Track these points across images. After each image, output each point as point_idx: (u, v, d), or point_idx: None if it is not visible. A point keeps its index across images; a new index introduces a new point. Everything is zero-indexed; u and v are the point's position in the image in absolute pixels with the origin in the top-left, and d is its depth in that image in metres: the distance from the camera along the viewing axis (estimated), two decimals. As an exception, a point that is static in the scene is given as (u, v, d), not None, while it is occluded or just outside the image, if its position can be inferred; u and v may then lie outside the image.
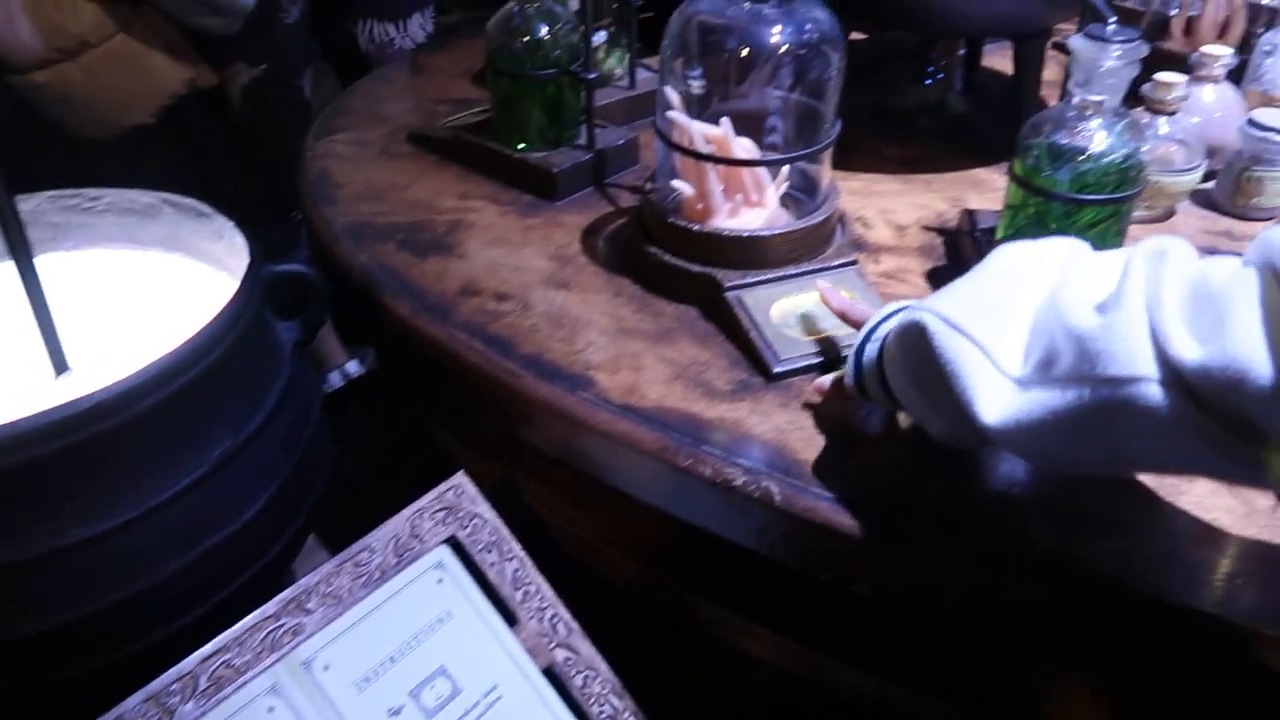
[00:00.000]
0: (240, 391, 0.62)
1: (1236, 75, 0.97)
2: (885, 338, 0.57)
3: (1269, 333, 0.39)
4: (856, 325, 0.63)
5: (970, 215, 0.81)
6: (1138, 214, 0.87)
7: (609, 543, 0.81)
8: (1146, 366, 0.43)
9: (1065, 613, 0.54)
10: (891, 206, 0.89)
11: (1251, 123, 0.85)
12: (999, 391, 0.48)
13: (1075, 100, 0.67)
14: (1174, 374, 0.42)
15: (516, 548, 0.65)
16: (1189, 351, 0.41)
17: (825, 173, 0.78)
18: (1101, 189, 0.68)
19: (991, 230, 0.76)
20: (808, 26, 0.70)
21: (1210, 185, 0.90)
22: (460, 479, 0.71)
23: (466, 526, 0.66)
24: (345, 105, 1.08)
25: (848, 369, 0.60)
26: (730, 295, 0.71)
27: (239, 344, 0.60)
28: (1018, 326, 0.49)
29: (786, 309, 0.71)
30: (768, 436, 0.62)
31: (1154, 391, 0.42)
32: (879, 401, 0.59)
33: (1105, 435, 0.45)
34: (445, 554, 0.66)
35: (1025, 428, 0.47)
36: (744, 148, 0.75)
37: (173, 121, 1.12)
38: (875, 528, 0.56)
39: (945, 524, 0.56)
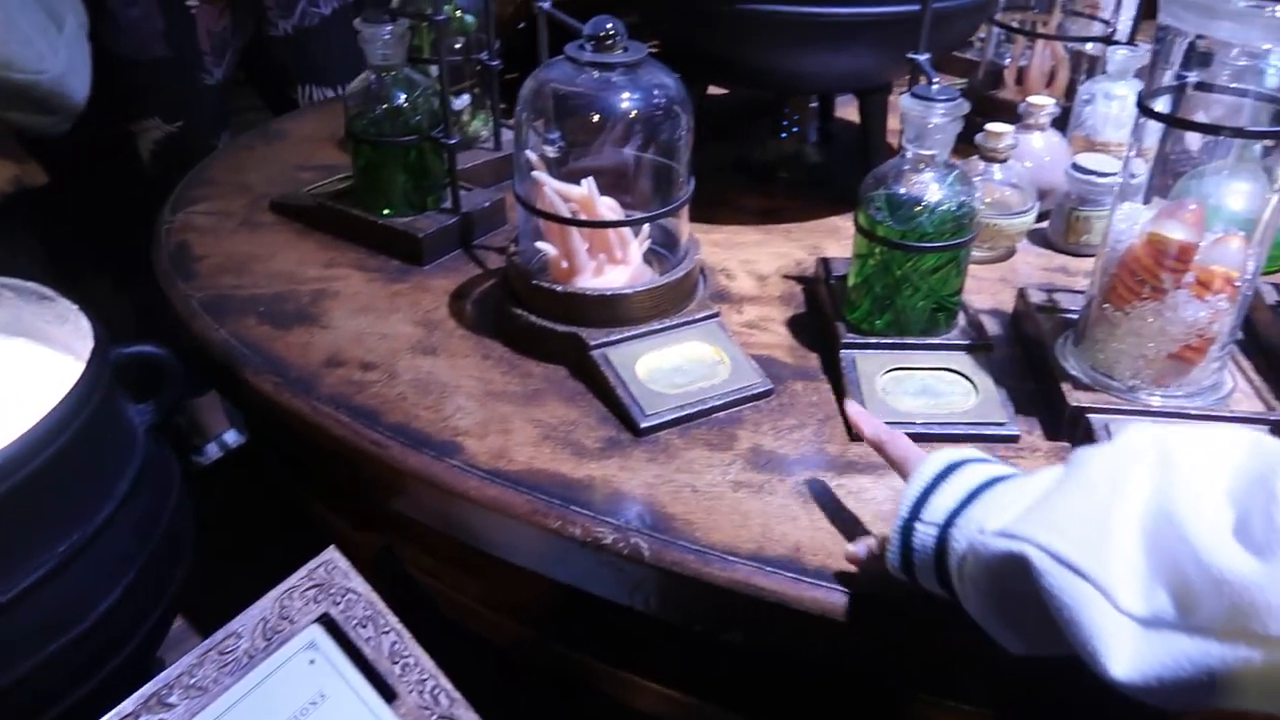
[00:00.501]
0: (90, 479, 0.60)
1: (1063, 122, 1.04)
2: (946, 535, 0.49)
3: None
4: (893, 462, 0.58)
5: (825, 263, 0.84)
6: (980, 254, 0.92)
7: (493, 607, 0.80)
8: None
9: (925, 651, 0.57)
10: (753, 257, 0.92)
11: (1075, 166, 0.92)
12: (1125, 638, 0.41)
13: (909, 155, 0.72)
14: None
15: (393, 620, 0.64)
16: None
17: (684, 228, 0.81)
18: (940, 236, 0.72)
19: (844, 277, 0.79)
20: (655, 92, 0.73)
21: (1045, 225, 0.96)
22: (331, 554, 0.69)
23: (339, 603, 0.65)
24: (204, 175, 1.06)
25: (891, 549, 0.52)
26: (596, 353, 0.72)
27: (86, 430, 0.58)
28: (1127, 549, 0.42)
29: (652, 364, 0.73)
30: (637, 492, 0.63)
31: None
32: (929, 589, 0.52)
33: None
34: (318, 633, 0.64)
35: (1169, 683, 0.40)
36: (608, 206, 0.77)
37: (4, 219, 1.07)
38: (740, 579, 0.57)
39: (805, 571, 0.57)
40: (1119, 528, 0.42)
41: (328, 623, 0.64)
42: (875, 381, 0.71)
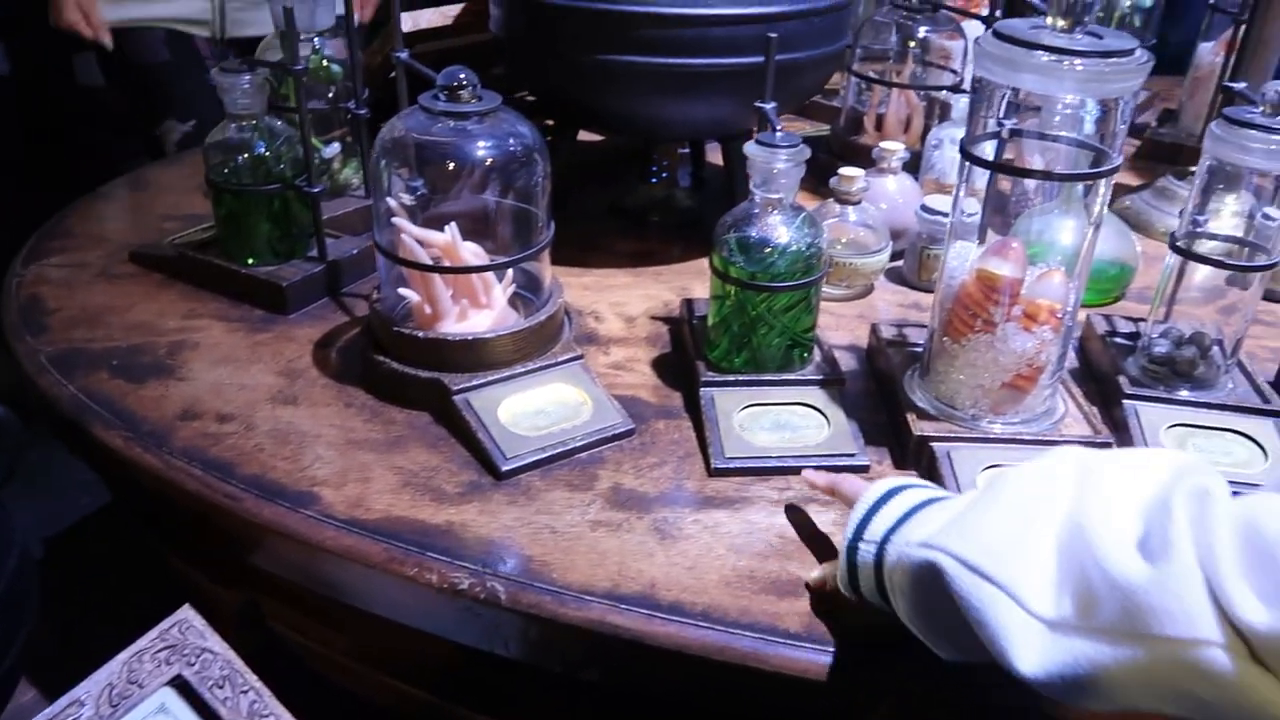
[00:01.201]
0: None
1: (916, 166, 1.10)
2: (882, 551, 0.52)
3: None
4: (846, 498, 0.59)
5: (689, 304, 0.86)
6: (838, 292, 0.96)
7: (363, 661, 0.79)
8: (1208, 628, 0.39)
9: (778, 687, 0.58)
10: (622, 299, 0.94)
11: (924, 208, 0.96)
12: (1033, 638, 0.44)
13: (757, 199, 0.75)
14: (1239, 639, 0.39)
15: (253, 679, 0.63)
16: (1256, 615, 0.38)
17: (546, 272, 0.82)
18: (790, 276, 0.75)
19: (705, 317, 0.82)
20: (511, 141, 0.74)
21: (900, 263, 1.01)
22: (185, 613, 0.67)
23: (194, 663, 0.63)
24: (59, 226, 1.02)
25: (840, 569, 0.55)
26: (458, 398, 0.73)
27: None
28: (1042, 559, 0.45)
29: (515, 408, 0.73)
30: (495, 536, 0.63)
31: (1218, 657, 0.39)
32: (878, 606, 0.54)
33: (1169, 693, 0.41)
34: (169, 696, 0.62)
35: (1070, 680, 0.43)
36: (470, 252, 0.77)
37: None
38: (595, 618, 0.58)
39: (659, 608, 0.58)
40: (1036, 539, 0.46)
41: (180, 685, 0.63)
42: (733, 418, 0.73)
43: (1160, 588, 0.41)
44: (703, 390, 0.75)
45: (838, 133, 1.28)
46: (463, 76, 0.71)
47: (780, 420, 0.74)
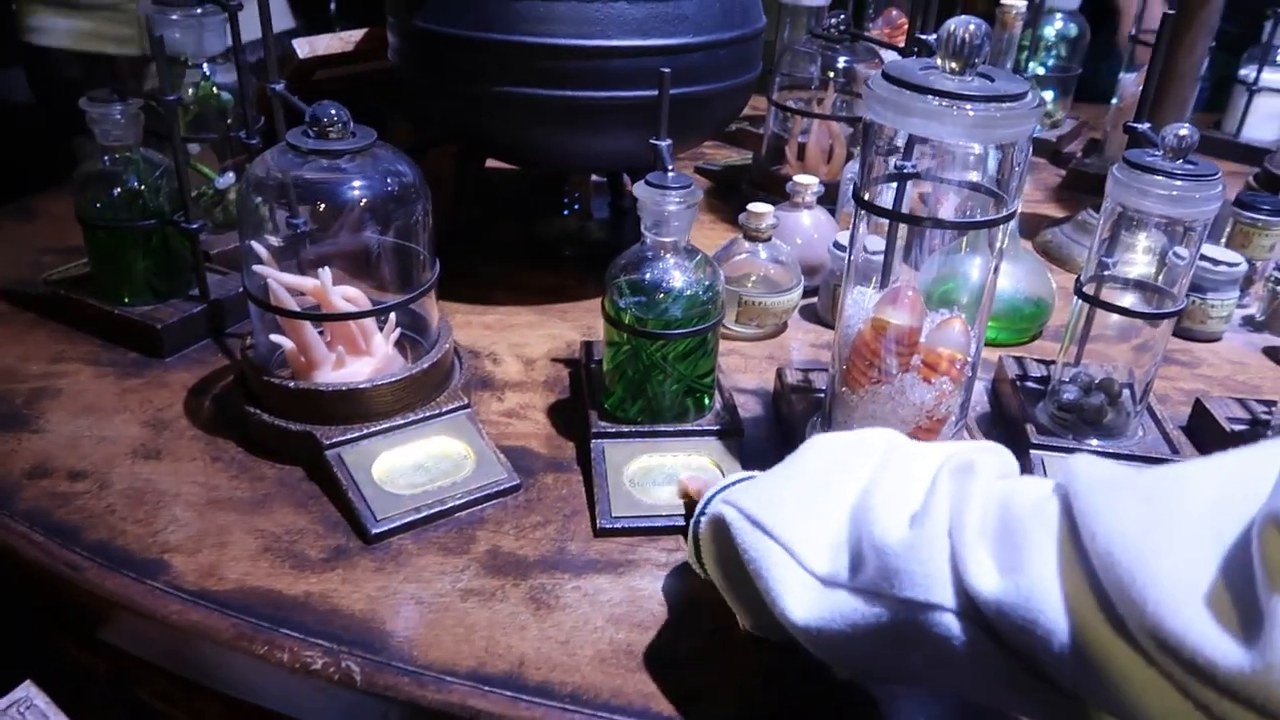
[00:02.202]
0: None
1: (835, 198, 1.07)
2: (700, 514, 0.54)
3: (1062, 570, 0.38)
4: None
5: (588, 347, 0.83)
6: (748, 332, 0.93)
7: (235, 730, 0.74)
8: (943, 594, 0.41)
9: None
10: (524, 340, 0.90)
11: (836, 244, 0.94)
12: (805, 590, 0.46)
13: (649, 241, 0.71)
14: (971, 605, 0.40)
15: (96, 763, 0.58)
16: (986, 583, 0.40)
17: (434, 313, 0.78)
18: (687, 322, 0.71)
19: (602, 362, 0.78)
20: (388, 180, 0.70)
21: (815, 300, 0.98)
22: (26, 690, 0.62)
23: (32, 748, 0.58)
24: (-74, 261, 0.96)
25: (689, 539, 0.57)
26: (330, 453, 0.68)
27: None
28: (831, 520, 0.47)
29: (392, 463, 0.69)
30: (357, 608, 0.59)
31: (949, 621, 0.41)
32: (711, 577, 0.55)
33: (904, 656, 0.43)
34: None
35: (829, 633, 0.45)
36: (348, 295, 0.73)
37: None
38: (455, 701, 0.53)
39: (525, 689, 0.54)
40: (830, 502, 0.48)
41: (13, 772, 0.58)
42: (624, 472, 0.69)
43: (910, 551, 0.42)
44: (593, 442, 0.71)
45: (760, 162, 1.25)
46: (333, 113, 0.67)
47: (675, 474, 0.70)
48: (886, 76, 0.60)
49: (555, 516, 0.67)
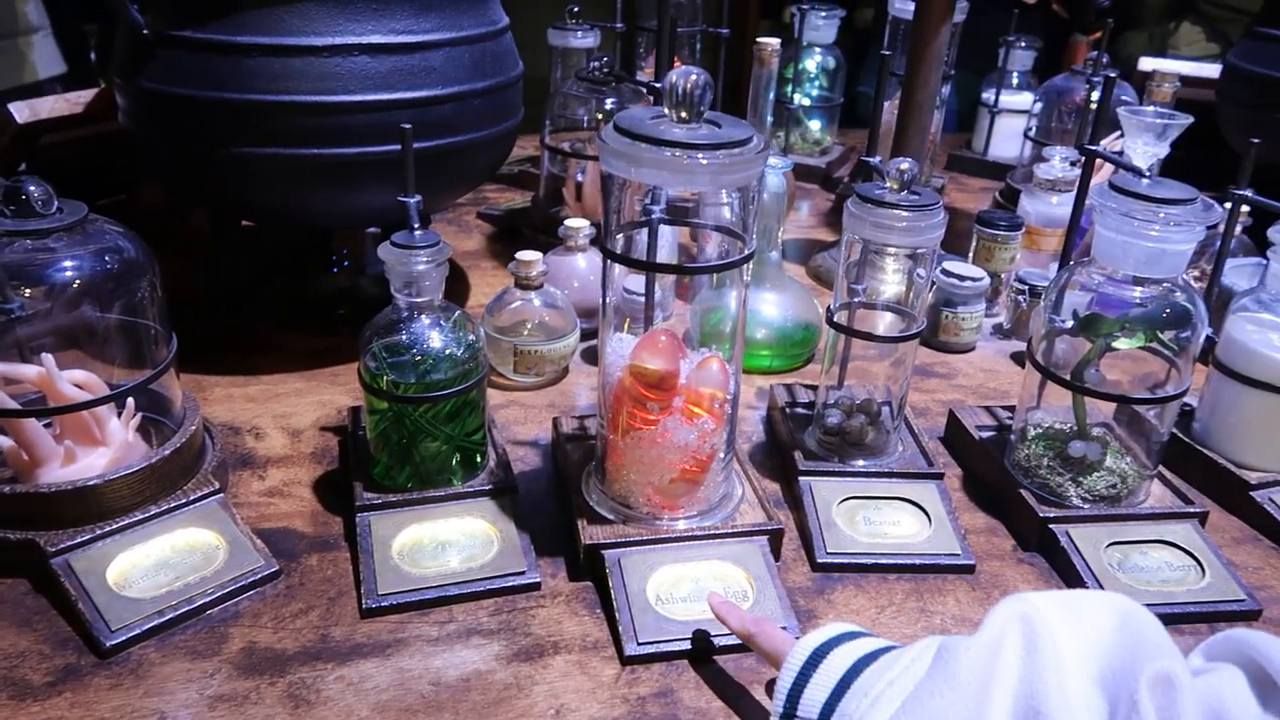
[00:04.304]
0: None
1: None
2: None
3: None
4: (765, 654, 0.55)
5: (355, 413, 0.79)
6: (529, 380, 0.92)
7: None
8: None
9: None
10: (291, 409, 0.85)
11: (626, 289, 0.94)
12: None
13: (401, 303, 0.69)
14: None
15: None
16: None
17: (176, 392, 0.72)
18: (451, 382, 0.69)
19: (369, 429, 0.75)
20: (106, 257, 0.65)
21: (595, 343, 0.98)
22: None
23: None
24: None
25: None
26: (56, 562, 0.62)
27: None
28: None
29: (130, 564, 0.63)
30: (87, 734, 0.53)
31: None
32: None
33: None
34: None
35: None
36: (78, 381, 0.67)
37: None
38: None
39: (281, 794, 0.50)
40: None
41: None
42: (391, 546, 0.67)
43: None
44: (358, 517, 0.68)
45: (539, 205, 1.25)
46: (32, 189, 0.61)
47: (443, 543, 0.67)
48: (617, 128, 0.61)
49: (319, 601, 0.64)
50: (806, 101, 1.62)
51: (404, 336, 0.69)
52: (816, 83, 1.63)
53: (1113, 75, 0.91)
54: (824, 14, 1.57)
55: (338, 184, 0.83)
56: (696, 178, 0.60)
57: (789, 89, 1.60)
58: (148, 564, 0.63)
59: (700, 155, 0.59)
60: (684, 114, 0.61)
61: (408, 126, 0.68)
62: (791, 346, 0.98)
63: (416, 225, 0.68)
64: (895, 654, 0.49)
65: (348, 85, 0.80)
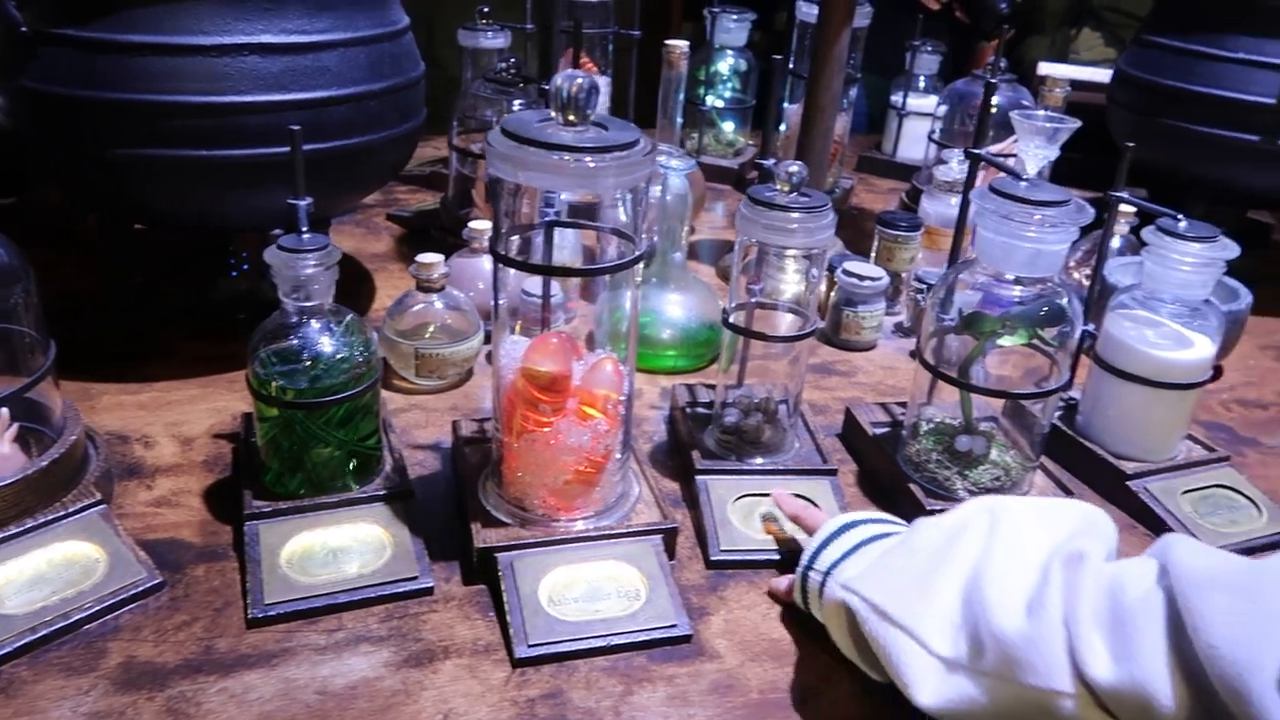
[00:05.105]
0: None
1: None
2: (824, 584, 0.60)
3: (1171, 658, 0.43)
4: (809, 529, 0.67)
5: (248, 419, 0.78)
6: (431, 384, 0.91)
7: None
8: (1063, 681, 0.46)
9: None
10: (183, 417, 0.83)
11: (525, 290, 0.94)
12: (930, 674, 0.51)
13: (289, 308, 0.68)
14: (1089, 691, 0.45)
15: None
16: (1102, 670, 0.45)
17: (55, 401, 0.70)
18: (342, 387, 0.69)
19: (262, 436, 0.74)
20: (-28, 262, 0.63)
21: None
22: None
23: None
24: None
25: (796, 590, 0.64)
26: (-78, 580, 0.59)
27: None
28: (946, 603, 0.52)
29: (4, 579, 0.61)
30: (-49, 757, 0.51)
31: (1070, 706, 0.46)
32: (820, 618, 0.62)
33: None
34: None
35: (959, 712, 0.50)
36: (-51, 393, 0.64)
37: None
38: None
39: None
40: (943, 583, 0.53)
41: None
42: (279, 555, 0.66)
43: (1028, 642, 0.47)
44: (247, 525, 0.67)
45: (449, 206, 1.24)
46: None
47: (336, 550, 0.67)
48: (504, 131, 0.61)
49: (204, 613, 0.62)
50: (719, 103, 1.64)
51: (294, 341, 0.68)
52: (729, 85, 1.64)
53: (994, 81, 0.94)
54: (735, 17, 1.59)
55: (231, 186, 0.82)
56: (583, 181, 0.60)
57: (702, 91, 1.61)
58: (22, 580, 0.61)
59: (588, 159, 0.59)
60: (571, 117, 0.61)
61: (296, 128, 0.68)
62: (696, 346, 0.99)
63: (305, 229, 0.67)
64: (889, 537, 0.62)
65: (238, 86, 0.78)
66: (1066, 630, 0.47)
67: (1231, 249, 0.78)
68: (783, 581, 0.67)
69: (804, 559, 0.63)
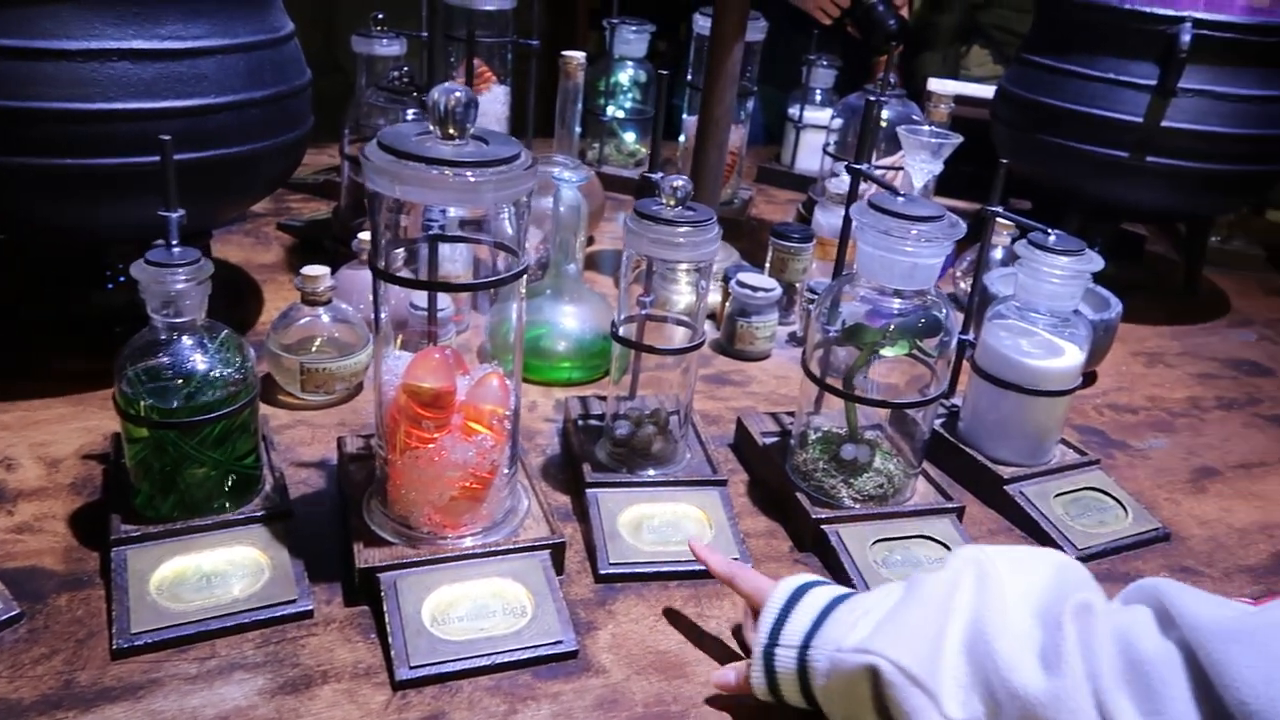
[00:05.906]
0: None
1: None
2: (805, 657, 0.55)
3: (1200, 712, 0.43)
4: (745, 594, 0.63)
5: (118, 439, 0.75)
6: (319, 399, 0.89)
7: None
8: None
9: None
10: (52, 437, 0.80)
11: (413, 303, 0.92)
12: None
13: (159, 324, 0.65)
14: None
15: None
16: None
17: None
18: (216, 406, 0.66)
19: (133, 457, 0.71)
20: None
21: (392, 358, 0.96)
22: None
23: None
24: None
25: (755, 673, 0.57)
26: None
27: None
28: (951, 662, 0.50)
29: None
30: None
31: None
32: (795, 704, 0.57)
33: None
34: None
35: None
36: None
37: None
38: None
39: None
40: (948, 643, 0.50)
41: None
42: (149, 581, 0.63)
43: (1056, 701, 0.46)
44: (114, 551, 0.64)
45: (342, 216, 1.21)
46: None
47: (209, 573, 0.64)
48: (380, 144, 0.60)
49: (65, 644, 0.60)
50: (620, 114, 1.64)
51: (164, 358, 0.66)
52: (630, 95, 1.65)
53: (878, 98, 0.96)
54: (634, 29, 1.60)
55: (100, 196, 0.79)
56: (462, 195, 0.60)
57: (603, 101, 1.62)
58: None
59: (468, 173, 0.59)
60: (450, 130, 0.61)
61: (167, 138, 0.65)
62: (591, 358, 0.99)
63: (175, 241, 0.65)
64: (864, 594, 0.59)
65: (106, 92, 0.75)
66: (1090, 685, 0.46)
67: (1097, 262, 0.81)
68: (729, 673, 0.61)
69: (762, 636, 0.57)
